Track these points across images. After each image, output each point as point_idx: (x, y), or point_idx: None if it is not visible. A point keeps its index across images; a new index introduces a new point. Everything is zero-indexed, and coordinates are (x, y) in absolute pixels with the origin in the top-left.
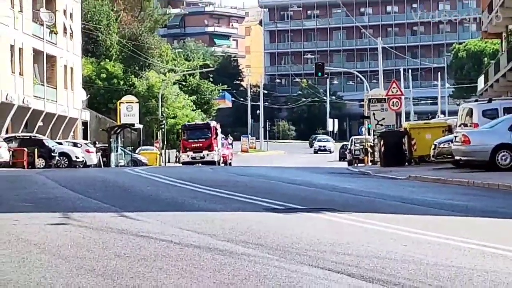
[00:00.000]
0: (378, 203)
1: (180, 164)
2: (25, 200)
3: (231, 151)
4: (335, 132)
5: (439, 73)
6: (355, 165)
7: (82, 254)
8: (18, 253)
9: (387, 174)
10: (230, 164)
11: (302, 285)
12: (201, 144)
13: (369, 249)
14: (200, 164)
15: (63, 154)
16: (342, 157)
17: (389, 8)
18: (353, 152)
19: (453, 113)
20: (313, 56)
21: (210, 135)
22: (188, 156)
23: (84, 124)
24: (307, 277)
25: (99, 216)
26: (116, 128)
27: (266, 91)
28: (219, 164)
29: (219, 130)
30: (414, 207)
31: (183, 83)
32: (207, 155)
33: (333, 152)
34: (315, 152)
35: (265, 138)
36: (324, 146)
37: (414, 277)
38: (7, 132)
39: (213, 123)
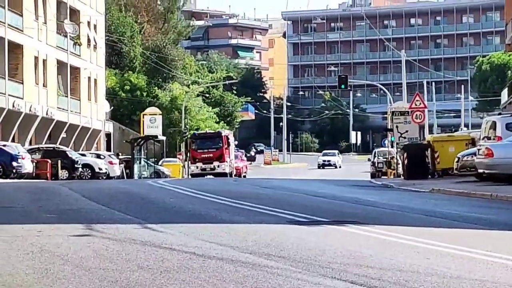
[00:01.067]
0: (401, 216)
1: (190, 177)
2: (48, 212)
3: (245, 163)
4: (358, 144)
5: (462, 86)
6: (378, 177)
7: (105, 265)
8: (42, 264)
9: (410, 187)
10: (244, 176)
11: None
12: (211, 155)
13: (392, 262)
14: (211, 176)
15: (86, 165)
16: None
17: (412, 21)
18: (376, 164)
19: (477, 126)
20: (336, 69)
21: (221, 144)
22: (197, 167)
23: (108, 135)
24: None
25: (122, 227)
26: (139, 140)
27: (289, 103)
28: (231, 176)
29: (231, 140)
30: (437, 220)
31: (207, 95)
32: (218, 166)
33: (339, 167)
34: (320, 167)
35: (288, 150)
36: (329, 161)
37: None
38: (30, 143)
39: (225, 132)
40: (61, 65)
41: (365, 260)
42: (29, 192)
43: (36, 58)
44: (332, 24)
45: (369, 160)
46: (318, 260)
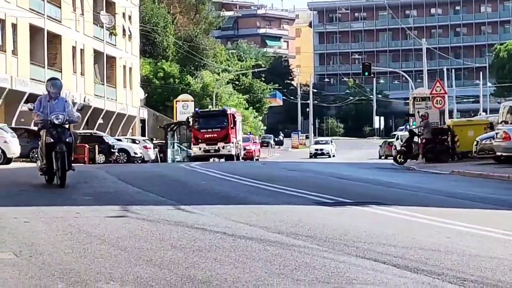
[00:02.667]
0: (423, 197)
1: (218, 160)
2: (86, 194)
3: (258, 147)
4: (381, 129)
5: (481, 73)
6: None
7: (140, 245)
8: (80, 244)
9: (431, 169)
10: (257, 159)
11: (349, 275)
12: (215, 135)
13: (414, 241)
14: (216, 159)
15: (122, 150)
16: (382, 155)
17: (433, 11)
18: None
19: (495, 111)
20: (360, 57)
21: (226, 124)
22: (200, 149)
23: (142, 121)
24: (355, 268)
25: (156, 209)
26: (172, 125)
27: (315, 90)
28: (238, 158)
29: (238, 119)
30: (457, 201)
31: (236, 82)
32: (223, 147)
33: (333, 156)
34: (311, 156)
35: (314, 134)
36: (322, 150)
37: (457, 267)
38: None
39: (230, 110)
40: (97, 54)
41: (387, 239)
42: (68, 176)
43: (73, 48)
44: (356, 14)
45: (383, 145)
46: (343, 239)
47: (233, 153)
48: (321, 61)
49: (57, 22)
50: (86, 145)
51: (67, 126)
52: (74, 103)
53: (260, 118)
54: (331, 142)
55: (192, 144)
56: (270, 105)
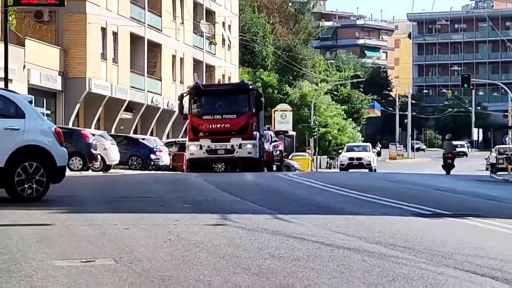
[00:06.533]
0: None
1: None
2: (185, 202)
3: (281, 147)
4: (479, 141)
5: None
6: (498, 173)
7: (238, 253)
8: (179, 251)
9: None
10: (278, 165)
11: (447, 287)
12: (228, 125)
13: None
14: (221, 166)
15: None
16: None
17: None
18: (497, 160)
19: None
20: (459, 68)
21: (246, 107)
22: (201, 147)
23: None
24: (452, 280)
25: (254, 217)
26: None
27: (413, 101)
28: (261, 165)
29: (263, 102)
30: None
31: (335, 92)
32: (240, 146)
33: (375, 169)
34: (342, 169)
35: (412, 146)
36: (359, 159)
37: None
38: (167, 137)
39: (252, 85)
40: (197, 63)
41: (486, 252)
42: (167, 184)
43: (173, 56)
44: (456, 25)
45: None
46: (441, 251)
47: (255, 155)
48: (420, 72)
49: (158, 30)
50: (184, 153)
51: None
52: None
53: (358, 128)
54: (372, 150)
55: (188, 139)
56: (368, 116)
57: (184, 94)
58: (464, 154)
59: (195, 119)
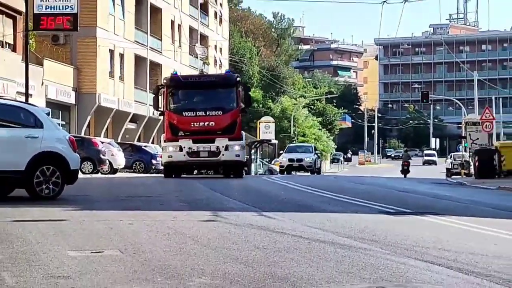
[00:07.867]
0: (474, 209)
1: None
2: (182, 201)
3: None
4: (437, 149)
5: None
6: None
7: (228, 245)
8: (176, 244)
9: (480, 185)
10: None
11: (409, 275)
12: (212, 123)
13: (465, 247)
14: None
15: None
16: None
17: (483, 47)
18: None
19: None
20: (419, 86)
21: (233, 101)
22: (180, 149)
23: None
24: (413, 269)
25: (242, 215)
26: (255, 143)
27: (380, 114)
28: (242, 167)
29: (251, 96)
30: (503, 213)
31: (312, 106)
32: (225, 148)
33: (317, 171)
34: (283, 172)
35: (378, 153)
36: (299, 161)
37: (503, 270)
38: None
39: (238, 77)
40: None
41: (442, 245)
42: (167, 185)
43: None
44: (416, 49)
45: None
46: (403, 244)
47: (243, 158)
48: (385, 89)
49: (158, 52)
50: None
51: None
52: None
53: (332, 138)
54: (315, 149)
55: (162, 139)
56: (340, 127)
57: (160, 87)
58: (433, 162)
59: (173, 116)
